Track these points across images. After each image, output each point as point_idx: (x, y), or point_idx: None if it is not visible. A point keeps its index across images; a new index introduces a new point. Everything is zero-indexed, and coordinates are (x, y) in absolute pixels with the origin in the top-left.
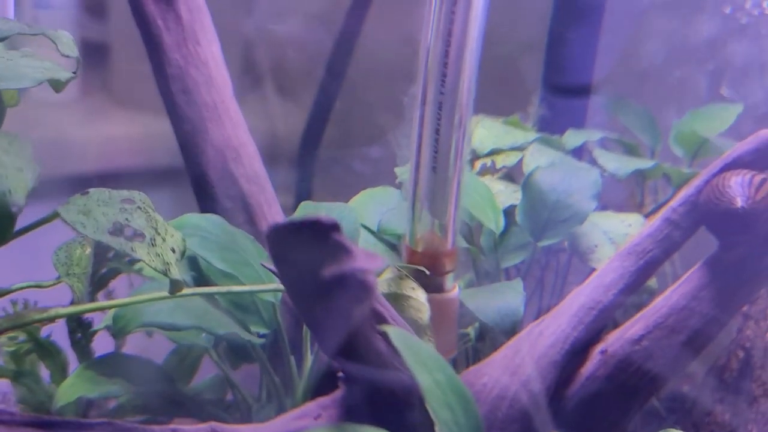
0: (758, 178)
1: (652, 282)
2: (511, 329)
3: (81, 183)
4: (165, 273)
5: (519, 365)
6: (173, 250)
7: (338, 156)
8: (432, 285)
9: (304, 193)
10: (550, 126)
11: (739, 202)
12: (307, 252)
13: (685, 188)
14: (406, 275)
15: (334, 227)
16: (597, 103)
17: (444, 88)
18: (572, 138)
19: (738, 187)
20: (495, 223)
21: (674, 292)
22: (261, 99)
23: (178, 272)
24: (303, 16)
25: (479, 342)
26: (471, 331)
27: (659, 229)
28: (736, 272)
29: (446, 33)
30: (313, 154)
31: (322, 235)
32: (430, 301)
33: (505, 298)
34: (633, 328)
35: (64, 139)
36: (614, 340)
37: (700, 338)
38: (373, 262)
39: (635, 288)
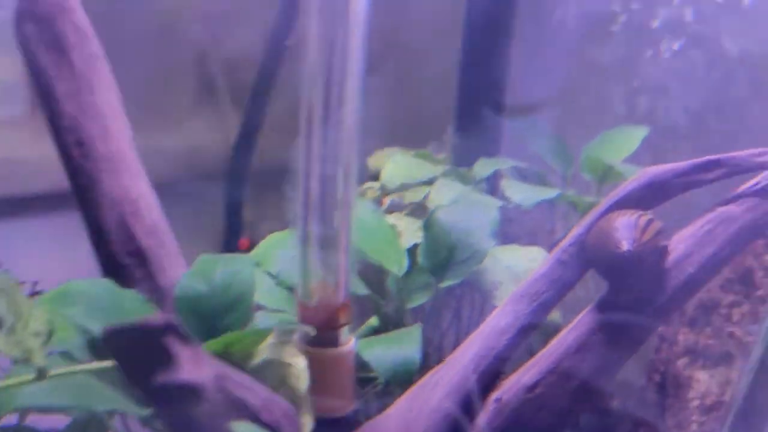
0: (644, 219)
1: (556, 316)
2: (408, 380)
3: (31, 202)
4: (26, 361)
5: (414, 420)
6: (37, 334)
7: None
8: (326, 339)
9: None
10: (465, 155)
11: (625, 246)
12: (140, 355)
13: (576, 227)
14: (287, 341)
15: (167, 329)
16: (512, 130)
17: (327, 134)
18: (482, 168)
19: (624, 230)
20: (398, 264)
21: (567, 335)
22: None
23: (42, 356)
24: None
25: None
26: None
27: (551, 270)
28: (626, 315)
29: (326, 74)
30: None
31: (153, 339)
32: (324, 356)
33: (401, 348)
34: (527, 374)
35: (13, 157)
36: (509, 388)
37: (595, 383)
38: (198, 370)
39: (529, 331)
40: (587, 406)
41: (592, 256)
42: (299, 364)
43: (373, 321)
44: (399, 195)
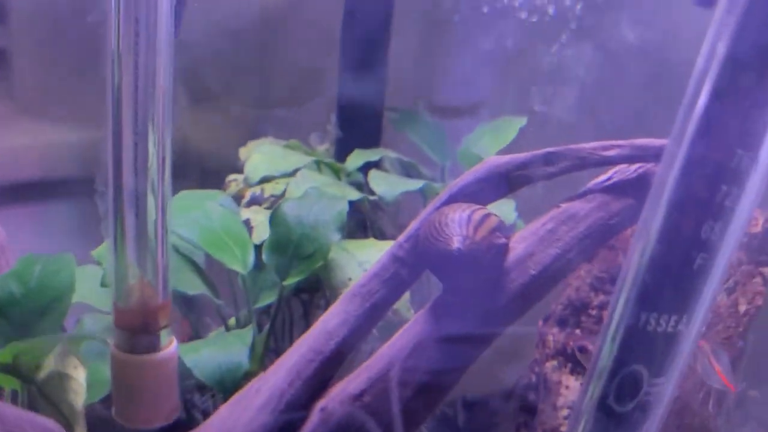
0: (479, 213)
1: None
2: (233, 386)
3: None
4: None
5: (230, 429)
6: None
7: None
8: (144, 344)
9: None
10: (346, 145)
11: (456, 243)
12: None
13: (414, 221)
14: (69, 352)
15: None
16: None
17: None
18: (354, 160)
19: (455, 226)
20: (241, 262)
21: (398, 340)
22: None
23: None
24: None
25: None
26: None
27: (385, 267)
28: (460, 317)
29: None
30: None
31: None
32: (142, 363)
33: (228, 352)
34: (354, 381)
35: None
36: (334, 396)
37: (431, 390)
38: None
39: (362, 333)
40: (423, 415)
41: (423, 252)
42: (79, 377)
43: (232, 322)
44: (261, 187)
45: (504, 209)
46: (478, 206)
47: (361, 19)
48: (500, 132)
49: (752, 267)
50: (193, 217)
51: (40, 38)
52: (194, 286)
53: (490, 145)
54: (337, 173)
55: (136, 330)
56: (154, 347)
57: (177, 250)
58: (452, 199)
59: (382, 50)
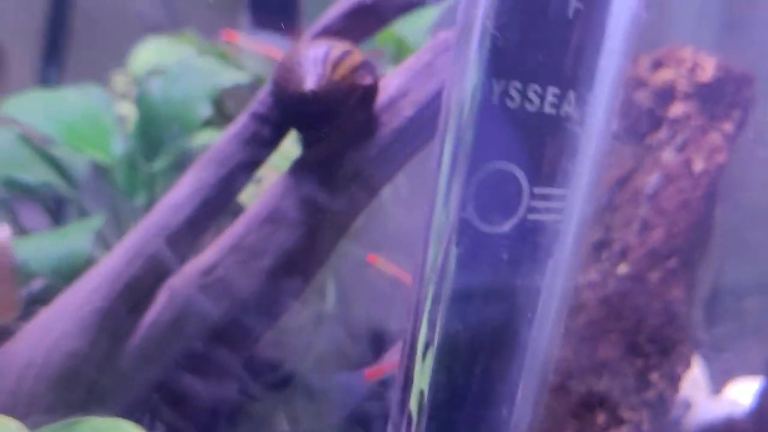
0: (338, 50)
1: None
2: (72, 276)
3: None
4: None
5: (55, 320)
6: None
7: None
8: None
9: None
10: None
11: (309, 84)
12: None
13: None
14: None
15: None
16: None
17: None
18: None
19: (309, 65)
20: (104, 151)
21: (255, 206)
22: None
23: None
24: None
25: None
26: None
27: (245, 126)
28: (325, 174)
29: None
30: None
31: None
32: None
33: (68, 241)
34: (206, 254)
35: None
36: (184, 273)
37: (296, 260)
38: None
39: (220, 204)
40: (293, 286)
41: (276, 98)
42: None
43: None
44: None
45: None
46: (338, 42)
47: None
48: (417, 17)
49: (705, 121)
50: (53, 110)
51: None
52: (41, 175)
53: (407, 28)
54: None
55: None
56: None
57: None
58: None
59: None
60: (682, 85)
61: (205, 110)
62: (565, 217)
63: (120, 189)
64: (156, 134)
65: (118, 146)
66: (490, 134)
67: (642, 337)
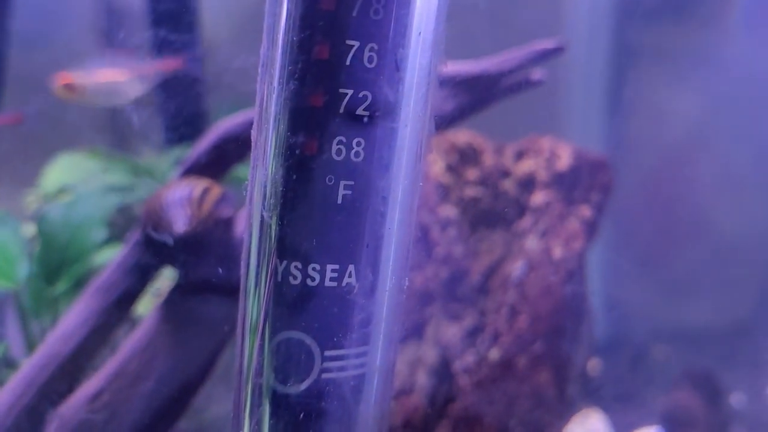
0: (199, 189)
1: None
2: None
3: None
4: None
5: None
6: None
7: None
8: None
9: None
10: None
11: (180, 226)
12: None
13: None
14: None
15: None
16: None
17: None
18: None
19: (176, 209)
20: (9, 277)
21: (136, 332)
22: None
23: None
24: None
25: None
26: None
27: (128, 256)
28: (195, 299)
29: None
30: None
31: None
32: None
33: None
34: (93, 381)
35: None
36: (73, 400)
37: (175, 381)
38: None
39: (108, 329)
40: (175, 407)
41: (148, 243)
42: None
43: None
44: (58, 199)
45: None
46: (196, 182)
47: None
48: None
49: (563, 207)
50: None
51: None
52: None
53: None
54: (149, 173)
55: None
56: None
57: None
58: (188, 174)
59: None
60: (542, 175)
61: (101, 234)
62: (368, 370)
63: (27, 311)
64: (56, 258)
65: (23, 270)
66: (278, 308)
67: (513, 421)
